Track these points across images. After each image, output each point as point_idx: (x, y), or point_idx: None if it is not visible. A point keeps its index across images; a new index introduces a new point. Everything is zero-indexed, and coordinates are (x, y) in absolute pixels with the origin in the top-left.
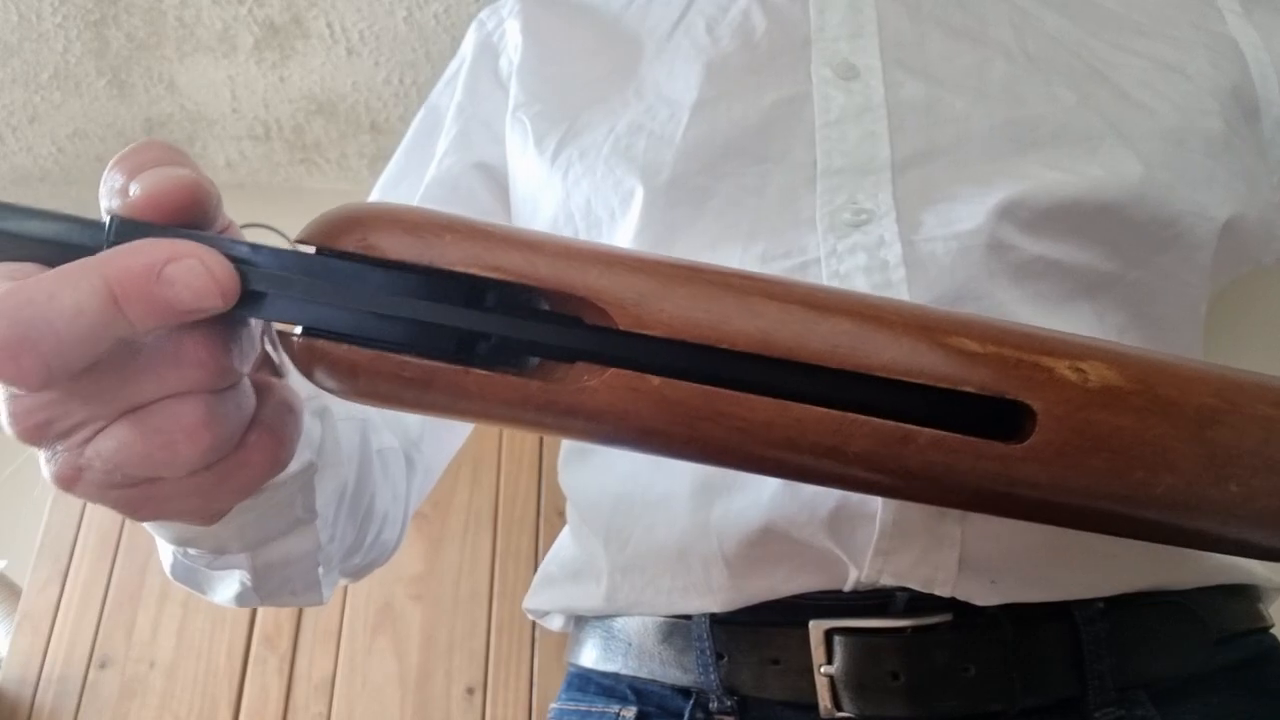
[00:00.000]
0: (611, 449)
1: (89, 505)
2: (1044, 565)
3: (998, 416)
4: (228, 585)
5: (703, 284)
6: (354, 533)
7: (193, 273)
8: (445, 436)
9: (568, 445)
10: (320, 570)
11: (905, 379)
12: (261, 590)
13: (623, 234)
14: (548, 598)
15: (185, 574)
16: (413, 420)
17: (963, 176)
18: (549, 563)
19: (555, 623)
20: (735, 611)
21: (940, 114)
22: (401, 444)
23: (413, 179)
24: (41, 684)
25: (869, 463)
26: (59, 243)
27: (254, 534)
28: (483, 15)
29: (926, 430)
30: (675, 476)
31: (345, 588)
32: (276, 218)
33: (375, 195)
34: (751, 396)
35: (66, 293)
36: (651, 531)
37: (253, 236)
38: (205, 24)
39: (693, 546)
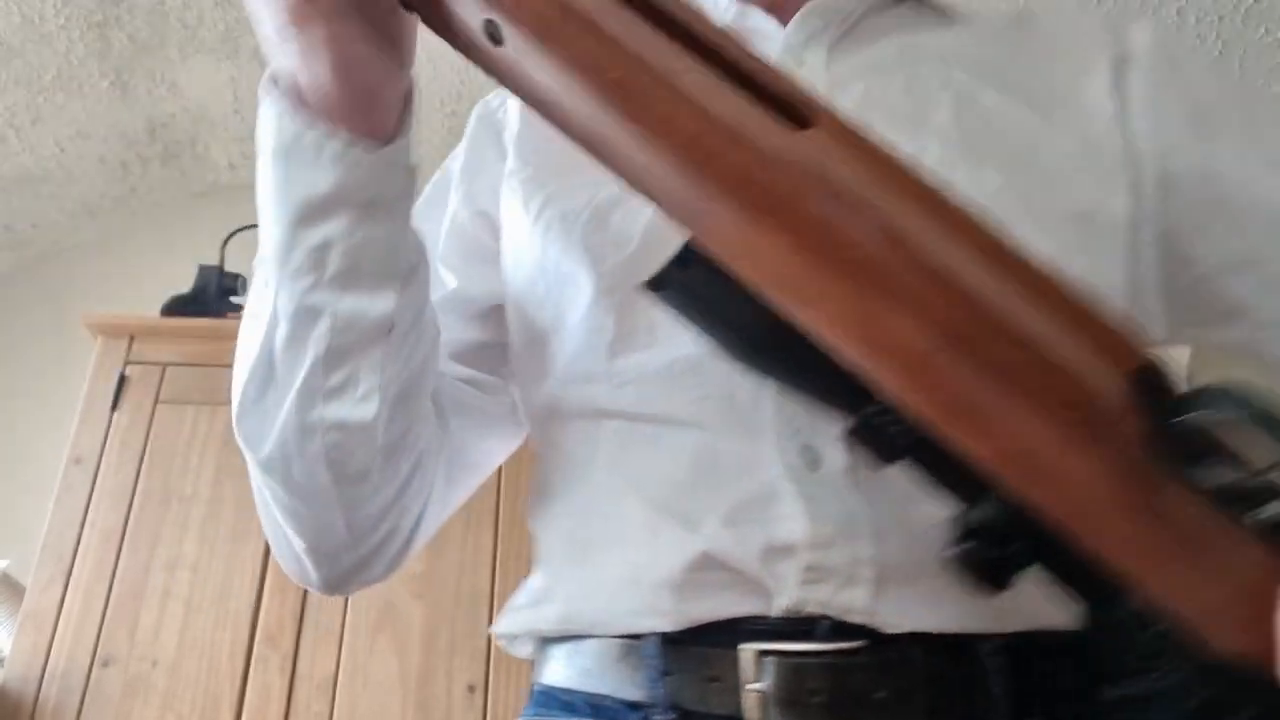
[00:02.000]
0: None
1: (92, 505)
2: (948, 602)
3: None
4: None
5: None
6: (401, 425)
7: None
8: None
9: (532, 490)
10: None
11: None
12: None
13: (585, 296)
14: (514, 620)
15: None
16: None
17: None
18: (517, 595)
19: (523, 649)
20: (681, 632)
21: None
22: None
23: (432, 227)
24: (44, 683)
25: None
26: None
27: (385, 189)
28: (488, 98)
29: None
30: (626, 515)
31: None
32: None
33: None
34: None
35: None
36: (606, 561)
37: (253, 237)
38: (207, 25)
39: (643, 574)
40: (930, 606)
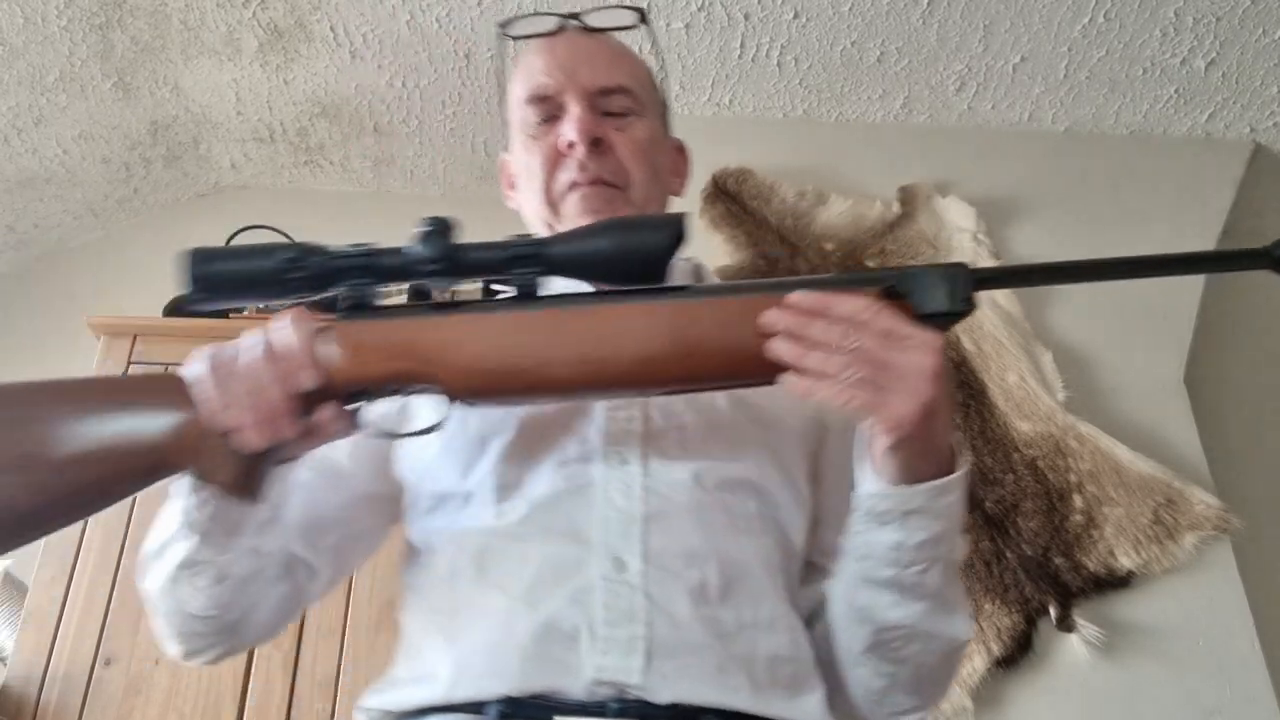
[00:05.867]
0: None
1: None
2: (692, 681)
3: None
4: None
5: None
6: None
7: None
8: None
9: (406, 586)
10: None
11: None
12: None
13: (488, 463)
14: (374, 701)
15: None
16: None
17: (680, 456)
18: (378, 682)
19: None
20: (516, 700)
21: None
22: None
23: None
24: (47, 681)
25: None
26: None
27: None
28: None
29: None
30: (488, 606)
31: (348, 584)
32: (280, 219)
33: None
34: None
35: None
36: (466, 640)
37: (255, 237)
38: (210, 27)
39: (497, 644)
40: (677, 683)
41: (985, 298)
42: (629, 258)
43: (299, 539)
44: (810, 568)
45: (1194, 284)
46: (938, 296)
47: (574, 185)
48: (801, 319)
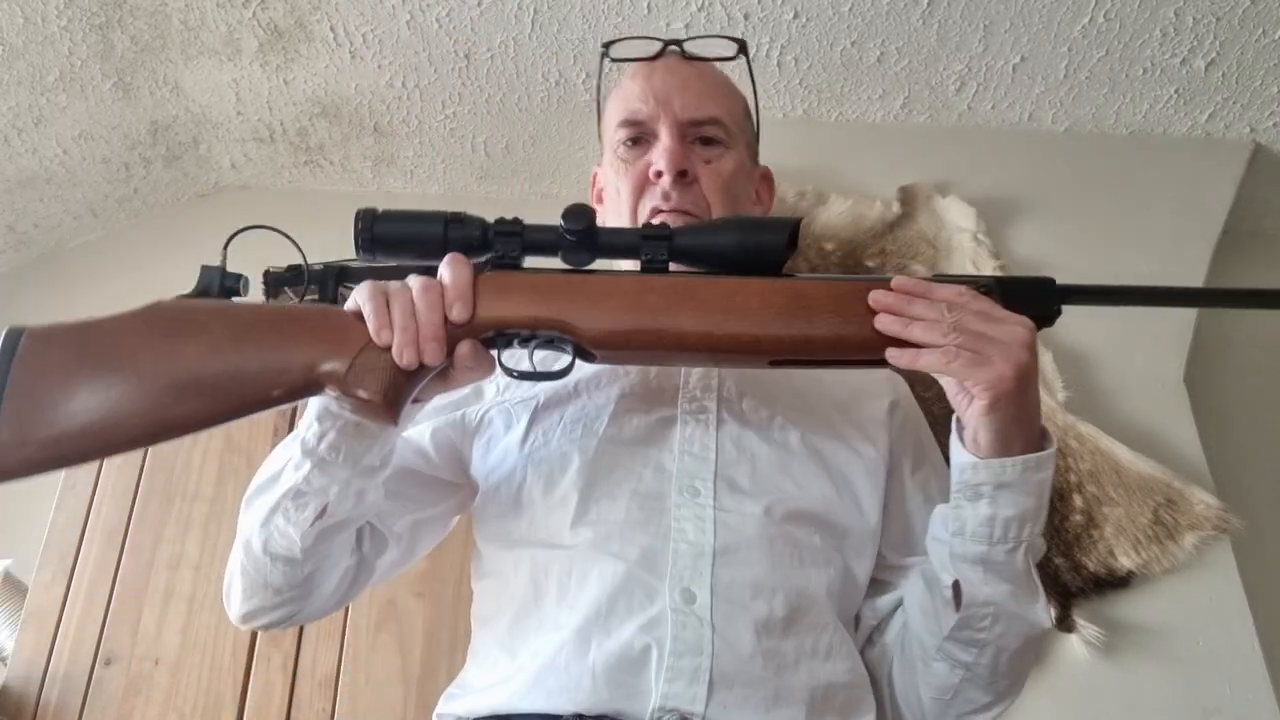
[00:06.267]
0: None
1: (94, 504)
2: (750, 712)
3: None
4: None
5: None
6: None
7: None
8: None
9: (481, 595)
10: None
11: None
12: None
13: (568, 482)
14: (464, 704)
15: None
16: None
17: (751, 490)
18: (451, 686)
19: None
20: (588, 716)
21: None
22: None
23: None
24: (47, 681)
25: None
26: None
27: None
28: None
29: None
30: (562, 624)
31: None
32: (280, 219)
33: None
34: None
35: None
36: (540, 656)
37: (256, 237)
38: (210, 27)
39: (571, 664)
40: (749, 710)
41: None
42: (748, 252)
43: (381, 506)
44: (878, 584)
45: (1194, 283)
46: (1028, 300)
47: (656, 211)
48: (905, 298)
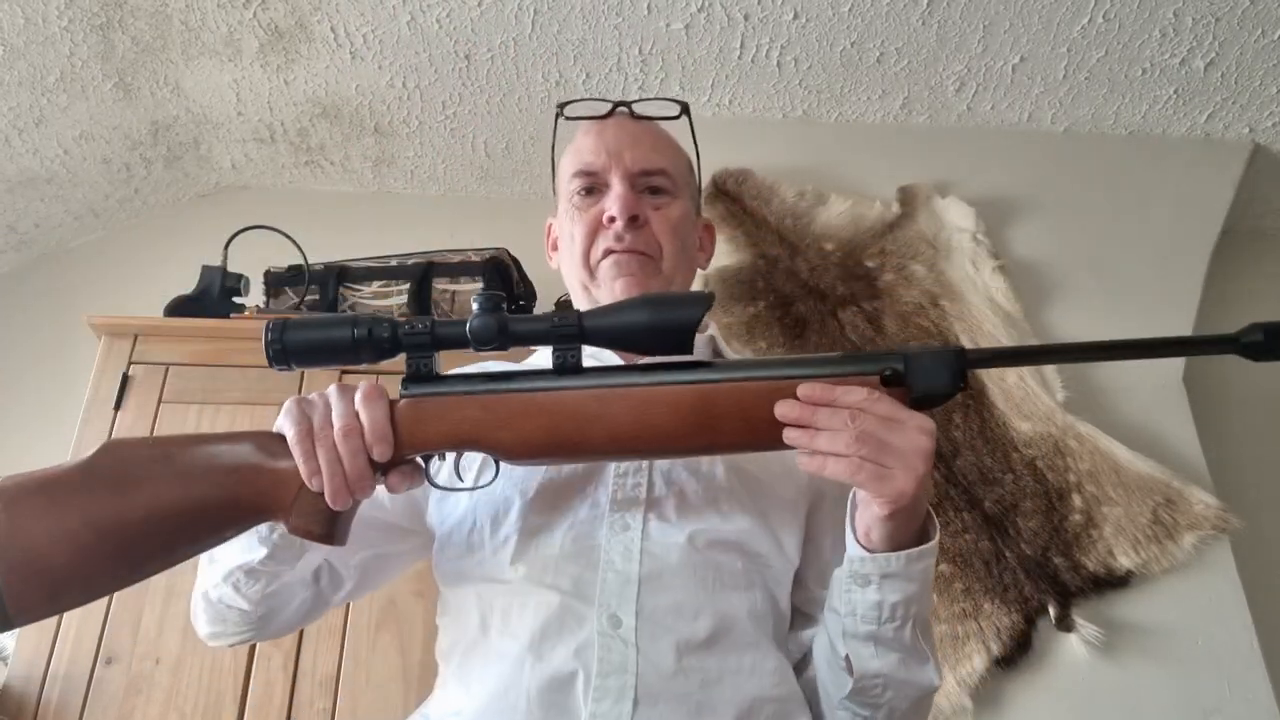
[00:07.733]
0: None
1: None
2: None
3: None
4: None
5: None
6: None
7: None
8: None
9: (441, 628)
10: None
11: None
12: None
13: (510, 523)
14: None
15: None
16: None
17: (678, 521)
18: (425, 708)
19: None
20: None
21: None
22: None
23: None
24: (48, 681)
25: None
26: None
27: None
28: None
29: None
30: (504, 652)
31: None
32: (280, 219)
33: None
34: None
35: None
36: (485, 682)
37: (256, 237)
38: (210, 28)
39: (511, 689)
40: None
41: (984, 296)
42: (659, 330)
43: (334, 551)
44: (801, 617)
45: (1193, 284)
46: (933, 380)
47: (609, 251)
48: (810, 409)
